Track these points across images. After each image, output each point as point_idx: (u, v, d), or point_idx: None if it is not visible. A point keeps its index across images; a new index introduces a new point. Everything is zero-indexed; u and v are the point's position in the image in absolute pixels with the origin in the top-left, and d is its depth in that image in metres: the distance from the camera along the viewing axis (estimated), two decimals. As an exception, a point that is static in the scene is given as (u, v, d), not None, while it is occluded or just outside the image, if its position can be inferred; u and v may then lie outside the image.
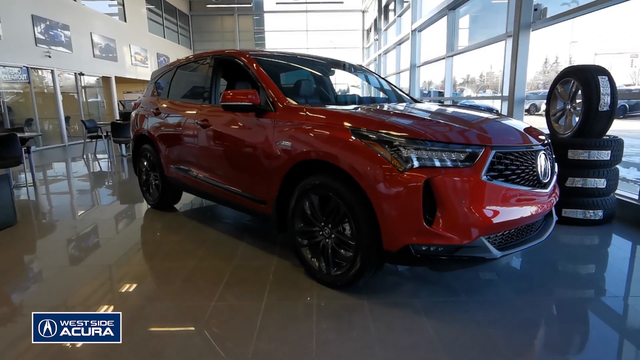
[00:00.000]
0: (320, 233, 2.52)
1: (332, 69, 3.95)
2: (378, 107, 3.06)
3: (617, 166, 3.74)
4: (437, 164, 2.05)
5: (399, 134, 2.13)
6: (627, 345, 2.03)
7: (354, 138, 2.23)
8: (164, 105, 4.12)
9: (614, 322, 2.24)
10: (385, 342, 1.98)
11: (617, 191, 3.88)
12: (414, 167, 2.04)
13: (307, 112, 2.61)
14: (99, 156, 9.60)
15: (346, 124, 2.34)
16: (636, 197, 3.87)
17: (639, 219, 3.75)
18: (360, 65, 4.30)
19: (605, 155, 3.53)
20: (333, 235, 2.45)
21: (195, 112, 3.59)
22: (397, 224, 2.09)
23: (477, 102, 12.00)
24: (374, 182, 2.11)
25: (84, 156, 9.69)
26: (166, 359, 1.87)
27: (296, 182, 2.62)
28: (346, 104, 3.63)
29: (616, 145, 3.56)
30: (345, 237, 2.37)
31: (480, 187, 2.06)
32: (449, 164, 2.05)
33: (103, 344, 2.00)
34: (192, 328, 2.12)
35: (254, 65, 3.12)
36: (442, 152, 2.07)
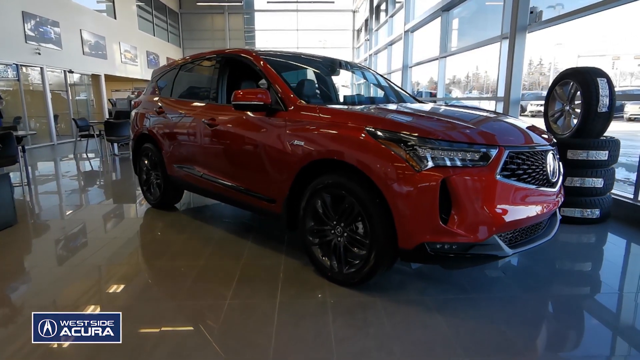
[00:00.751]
0: (332, 232, 2.55)
1: (337, 68, 3.97)
2: (388, 106, 3.09)
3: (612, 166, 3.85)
4: (453, 163, 2.09)
5: (415, 133, 2.17)
6: (628, 337, 2.11)
7: (370, 138, 2.26)
8: (168, 104, 4.10)
9: (615, 316, 2.31)
10: (402, 338, 2.01)
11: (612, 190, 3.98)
12: (431, 166, 2.08)
13: (320, 112, 2.63)
14: (90, 155, 9.48)
15: (361, 123, 2.37)
16: (631, 196, 3.98)
17: (634, 217, 3.86)
18: (365, 65, 4.34)
19: (603, 155, 3.63)
20: (345, 234, 2.47)
21: (201, 111, 3.58)
22: (413, 223, 2.12)
23: (464, 103, 12.14)
24: (390, 181, 2.14)
25: (76, 155, 9.55)
26: (184, 359, 1.88)
27: (307, 181, 2.64)
28: (354, 103, 3.66)
29: (613, 145, 3.66)
30: (359, 235, 2.40)
31: (494, 186, 2.11)
32: (464, 163, 2.10)
33: (127, 345, 2.00)
34: (210, 326, 2.12)
35: (265, 65, 3.12)
36: (458, 151, 2.11)
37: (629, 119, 15.91)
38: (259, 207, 3.09)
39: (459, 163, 2.09)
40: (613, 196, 4.00)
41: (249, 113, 3.02)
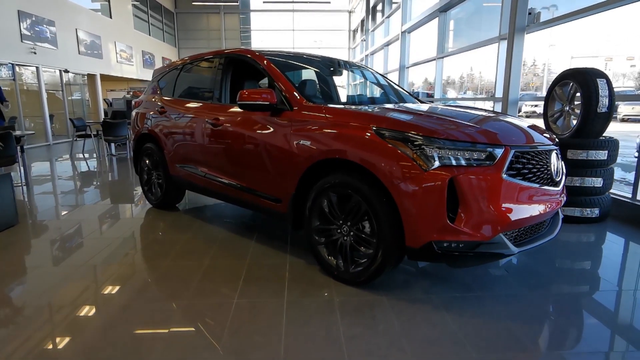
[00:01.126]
0: (338, 231, 2.56)
1: (340, 68, 3.98)
2: (394, 106, 3.12)
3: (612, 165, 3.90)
4: (460, 163, 2.11)
5: (423, 133, 2.19)
6: (627, 333, 2.14)
7: (376, 137, 2.28)
8: (170, 104, 4.10)
9: (614, 313, 2.35)
10: (411, 336, 2.03)
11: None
12: (438, 166, 2.10)
13: (326, 112, 2.64)
14: (86, 155, 9.43)
15: (367, 123, 2.39)
16: (629, 195, 4.04)
17: (632, 216, 3.91)
18: (366, 66, 4.35)
19: (603, 155, 3.68)
20: (352, 233, 2.49)
21: (204, 110, 3.58)
22: (420, 221, 2.15)
23: (462, 103, 12.20)
24: (398, 180, 2.16)
25: (72, 155, 9.50)
26: (196, 358, 1.89)
27: (313, 180, 2.66)
28: (356, 103, 3.67)
29: (613, 145, 3.71)
30: (365, 234, 2.41)
31: (501, 185, 2.13)
32: (471, 163, 2.12)
33: (133, 345, 2.00)
34: (219, 325, 2.13)
35: (269, 64, 3.13)
36: (465, 151, 2.13)
37: (622, 120, 16.14)
38: (263, 206, 3.10)
39: (466, 162, 2.12)
40: (612, 196, 4.06)
41: (253, 113, 3.03)
